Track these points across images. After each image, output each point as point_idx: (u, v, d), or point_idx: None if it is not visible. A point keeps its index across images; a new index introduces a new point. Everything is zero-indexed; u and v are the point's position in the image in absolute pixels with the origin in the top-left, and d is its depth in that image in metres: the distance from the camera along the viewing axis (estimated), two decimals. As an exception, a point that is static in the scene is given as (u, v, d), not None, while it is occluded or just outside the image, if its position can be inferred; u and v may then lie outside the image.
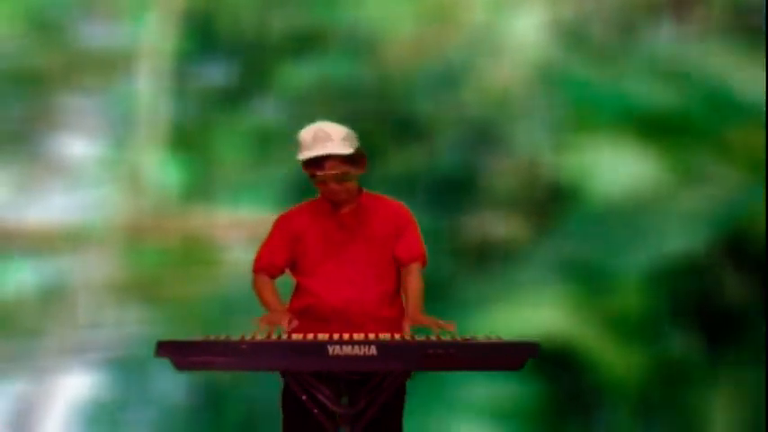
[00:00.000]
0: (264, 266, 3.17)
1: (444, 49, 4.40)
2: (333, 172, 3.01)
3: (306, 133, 3.05)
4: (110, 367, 4.38)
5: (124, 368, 4.37)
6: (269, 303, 3.09)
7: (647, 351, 4.36)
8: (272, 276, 3.17)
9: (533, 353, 2.61)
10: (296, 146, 3.08)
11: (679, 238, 4.38)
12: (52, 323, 4.39)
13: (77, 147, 4.44)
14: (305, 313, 3.09)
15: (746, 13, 4.43)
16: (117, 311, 4.40)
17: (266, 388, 4.19)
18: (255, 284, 3.17)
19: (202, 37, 4.43)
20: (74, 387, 4.37)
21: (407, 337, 2.78)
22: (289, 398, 3.02)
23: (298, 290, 3.18)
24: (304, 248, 3.12)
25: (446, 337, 2.75)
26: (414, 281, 3.09)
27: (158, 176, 4.45)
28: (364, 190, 3.16)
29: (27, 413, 4.39)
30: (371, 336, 2.72)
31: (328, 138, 3.00)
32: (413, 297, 3.06)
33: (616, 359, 4.35)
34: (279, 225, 3.18)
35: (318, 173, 3.03)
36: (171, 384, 4.33)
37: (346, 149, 3.00)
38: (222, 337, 2.71)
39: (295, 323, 2.96)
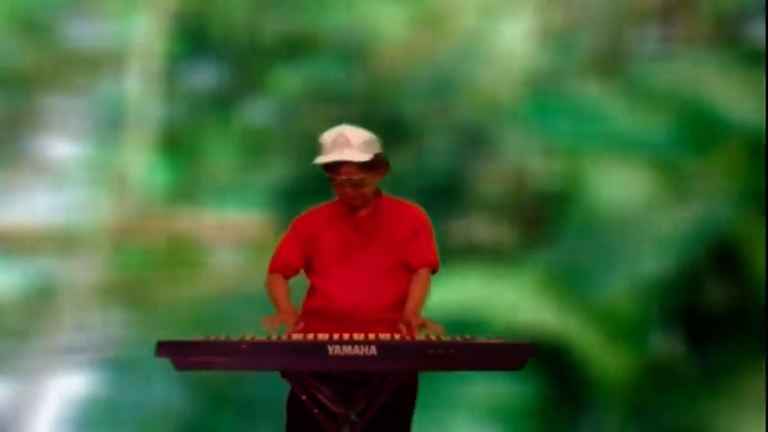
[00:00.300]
0: (279, 266, 3.17)
1: (434, 55, 4.43)
2: (347, 177, 3.03)
3: (327, 136, 3.06)
4: (95, 369, 4.36)
5: (110, 370, 4.36)
6: (278, 303, 3.09)
7: (636, 355, 4.42)
8: (287, 276, 3.17)
9: (533, 353, 2.64)
10: (318, 148, 3.08)
11: (666, 245, 4.44)
12: (37, 325, 4.37)
13: (63, 147, 4.43)
14: (317, 314, 3.10)
15: (729, 22, 4.51)
16: (102, 313, 4.39)
17: (261, 388, 4.23)
18: (269, 284, 3.16)
19: (193, 39, 4.43)
20: (59, 389, 4.35)
21: (407, 337, 2.80)
22: (294, 402, 3.03)
23: (311, 290, 3.18)
24: (319, 250, 3.13)
25: (446, 338, 2.77)
26: (417, 284, 3.10)
27: (145, 178, 4.44)
28: (383, 193, 3.17)
29: (12, 414, 4.36)
30: (371, 336, 2.73)
31: (347, 143, 3.01)
32: (412, 298, 3.07)
33: (606, 363, 4.41)
34: (295, 226, 3.19)
35: (334, 177, 3.05)
36: (157, 385, 4.33)
37: (363, 156, 3.01)
38: (222, 337, 2.71)
39: (301, 325, 2.97)
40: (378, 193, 3.16)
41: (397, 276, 3.12)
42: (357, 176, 3.03)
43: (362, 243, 3.12)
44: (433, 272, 3.17)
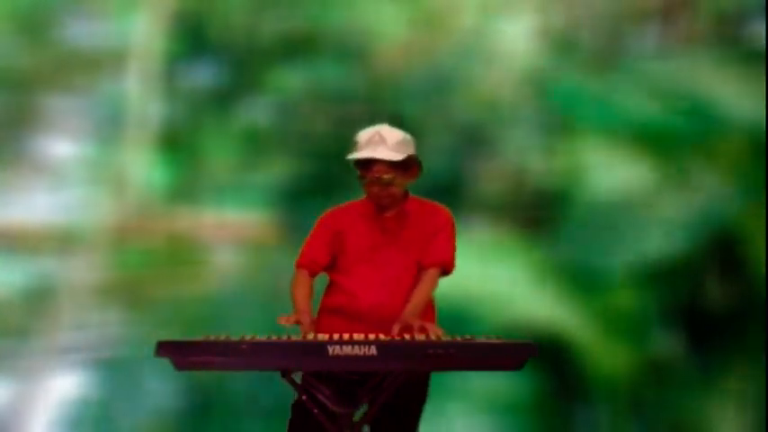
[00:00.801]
0: (306, 263, 3.15)
1: (434, 54, 4.44)
2: (377, 176, 3.03)
3: (363, 134, 3.06)
4: (94, 368, 4.37)
5: (109, 369, 4.36)
6: (297, 304, 3.07)
7: (635, 350, 4.43)
8: (314, 273, 3.15)
9: (533, 353, 2.64)
10: (353, 144, 3.08)
11: (665, 242, 4.45)
12: (37, 324, 4.37)
13: (63, 147, 4.43)
14: (337, 312, 3.11)
15: (730, 21, 4.52)
16: (102, 312, 4.39)
17: (253, 388, 4.24)
18: (293, 281, 3.14)
19: (193, 38, 4.44)
20: (58, 388, 4.35)
21: (406, 337, 2.80)
22: (299, 402, 3.02)
23: (331, 287, 3.18)
24: (344, 247, 3.12)
25: (446, 338, 2.77)
26: (423, 284, 3.09)
27: (145, 177, 4.44)
28: (410, 194, 3.16)
29: (11, 414, 4.36)
30: (371, 336, 2.74)
31: (382, 142, 3.01)
32: (413, 299, 3.06)
33: (605, 358, 4.42)
34: (322, 222, 3.18)
35: (365, 175, 3.05)
36: (156, 385, 4.33)
37: (396, 156, 3.01)
38: (222, 337, 2.71)
39: (312, 327, 2.97)
40: (405, 193, 3.14)
41: (418, 277, 3.10)
42: (387, 176, 3.03)
43: (388, 243, 3.11)
44: (446, 273, 3.15)
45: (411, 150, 3.07)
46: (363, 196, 3.16)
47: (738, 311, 4.44)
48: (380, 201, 3.09)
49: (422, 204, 3.17)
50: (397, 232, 3.12)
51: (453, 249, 3.15)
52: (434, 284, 3.12)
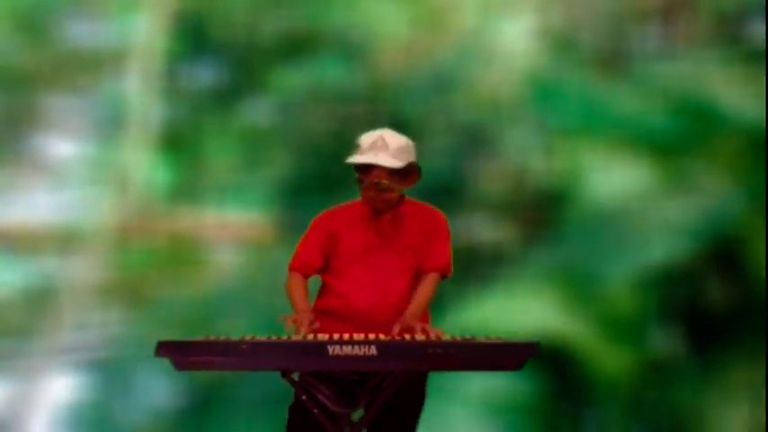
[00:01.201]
0: (299, 266, 3.15)
1: (435, 54, 4.44)
2: (376, 181, 3.03)
3: (367, 137, 3.06)
4: (95, 368, 4.37)
5: (110, 369, 4.36)
6: (296, 304, 3.08)
7: (636, 350, 4.43)
8: (307, 275, 3.16)
9: (533, 352, 2.64)
10: (355, 147, 3.08)
11: (665, 242, 4.45)
12: (38, 324, 4.37)
13: (64, 147, 4.43)
14: (329, 314, 3.10)
15: (730, 21, 4.52)
16: (103, 312, 4.39)
17: (253, 389, 4.24)
18: (288, 283, 3.14)
19: (194, 38, 4.44)
20: (59, 388, 4.35)
21: (406, 337, 2.80)
22: (298, 403, 3.03)
23: (324, 290, 3.18)
24: (338, 249, 3.12)
25: (446, 337, 2.77)
26: (423, 287, 3.10)
27: (146, 177, 4.45)
28: (406, 197, 3.16)
29: (12, 414, 4.36)
30: (371, 336, 2.74)
31: (385, 147, 3.01)
32: (414, 301, 3.07)
33: (606, 359, 4.42)
34: (316, 223, 3.18)
35: (363, 179, 3.05)
36: (156, 385, 4.33)
37: (396, 163, 3.01)
38: (222, 338, 2.71)
39: (316, 325, 2.97)
40: (401, 197, 3.14)
41: (413, 280, 3.12)
42: (386, 182, 3.03)
43: (382, 246, 3.11)
44: (444, 276, 3.16)
45: (412, 157, 3.07)
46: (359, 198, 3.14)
47: (739, 311, 4.44)
48: (375, 205, 3.09)
49: (417, 207, 3.17)
50: (391, 236, 3.12)
51: (450, 253, 3.16)
52: (435, 288, 3.13)
